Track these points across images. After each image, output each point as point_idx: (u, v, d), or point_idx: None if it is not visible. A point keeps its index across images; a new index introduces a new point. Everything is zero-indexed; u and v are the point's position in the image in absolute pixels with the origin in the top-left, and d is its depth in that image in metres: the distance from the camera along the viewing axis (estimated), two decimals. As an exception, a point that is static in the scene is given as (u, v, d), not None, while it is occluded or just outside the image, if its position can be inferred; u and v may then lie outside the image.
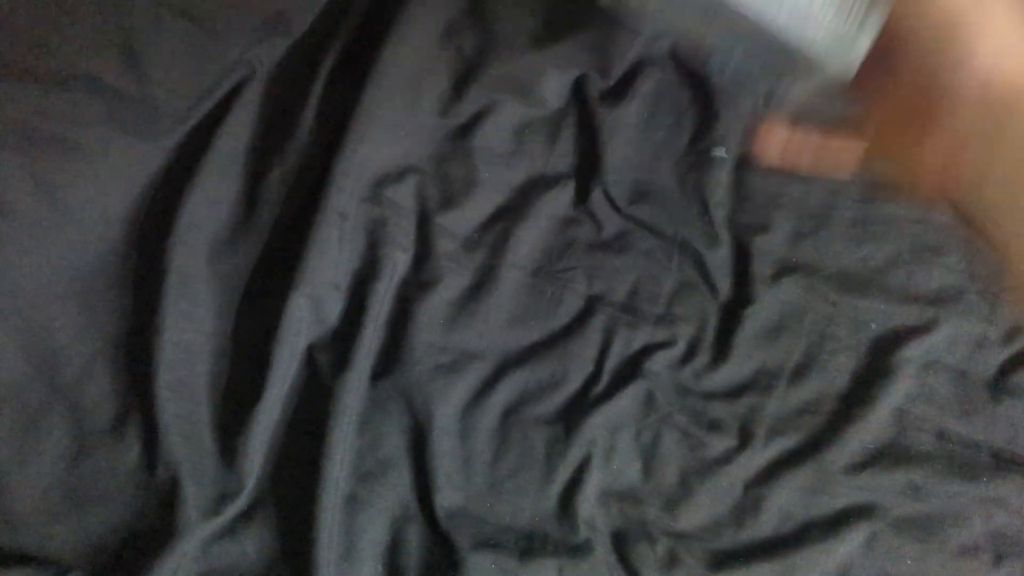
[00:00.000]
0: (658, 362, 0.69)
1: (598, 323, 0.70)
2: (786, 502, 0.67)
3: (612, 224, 0.72)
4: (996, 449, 0.68)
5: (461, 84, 0.71)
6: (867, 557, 0.66)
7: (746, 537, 0.67)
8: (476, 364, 0.68)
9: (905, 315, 0.70)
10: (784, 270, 0.71)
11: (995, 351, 0.70)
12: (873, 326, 0.70)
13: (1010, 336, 0.70)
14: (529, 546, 0.65)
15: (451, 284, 0.69)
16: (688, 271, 0.71)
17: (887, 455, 0.68)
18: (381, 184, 0.70)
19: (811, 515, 0.67)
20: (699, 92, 0.74)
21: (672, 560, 0.65)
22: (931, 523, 0.66)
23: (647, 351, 0.69)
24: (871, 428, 0.68)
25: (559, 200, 0.72)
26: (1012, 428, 0.68)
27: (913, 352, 0.69)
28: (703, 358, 0.70)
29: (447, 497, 0.66)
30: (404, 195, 0.70)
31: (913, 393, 0.69)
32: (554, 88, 0.72)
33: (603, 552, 0.65)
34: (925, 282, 0.71)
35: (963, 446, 0.68)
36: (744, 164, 0.73)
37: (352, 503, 0.65)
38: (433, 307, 0.69)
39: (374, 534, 0.65)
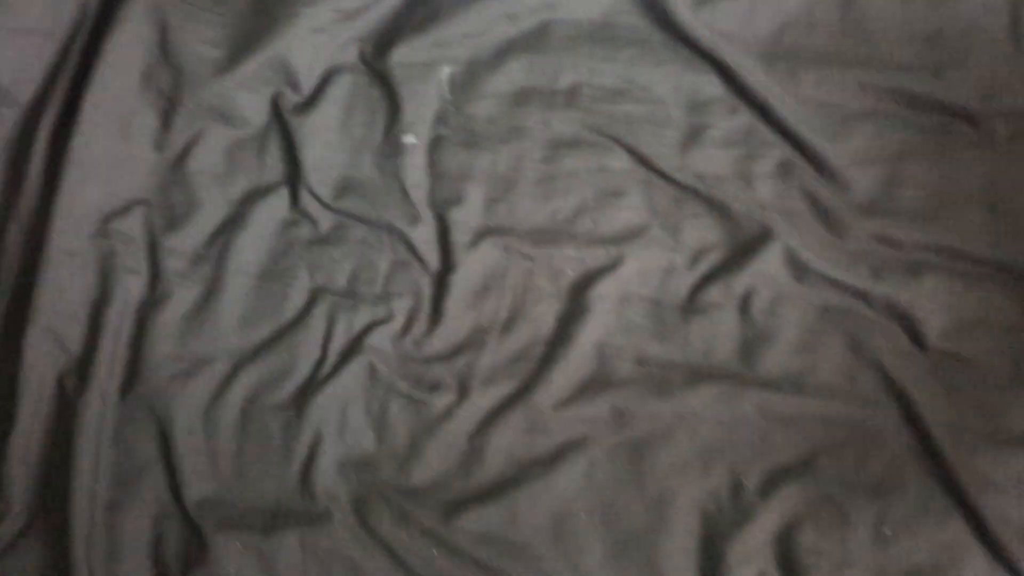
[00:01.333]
0: (378, 337, 0.76)
1: (322, 311, 0.77)
2: (507, 445, 0.73)
3: (326, 220, 0.79)
4: (692, 366, 0.73)
5: (167, 118, 0.79)
6: (587, 488, 0.71)
7: (474, 484, 0.73)
8: (212, 367, 0.75)
9: (596, 257, 0.76)
10: (482, 235, 0.77)
11: (683, 277, 0.75)
12: (569, 272, 0.76)
13: (694, 261, 0.75)
14: (273, 522, 0.72)
15: (182, 298, 0.76)
16: (399, 251, 0.78)
17: (591, 387, 0.73)
18: (108, 219, 0.77)
19: (532, 454, 0.73)
20: (386, 89, 0.80)
21: (406, 516, 0.71)
22: (641, 446, 0.72)
23: (368, 329, 0.76)
24: (574, 365, 0.74)
25: (275, 206, 0.79)
26: (705, 344, 0.74)
27: (607, 289, 0.75)
28: (420, 327, 0.76)
29: (196, 490, 0.73)
30: (132, 225, 0.77)
31: (612, 327, 0.75)
32: (251, 108, 0.79)
33: (342, 518, 0.72)
34: (610, 224, 0.76)
35: (660, 367, 0.74)
36: (435, 145, 0.79)
37: (114, 508, 0.72)
38: (167, 322, 0.76)
39: (137, 533, 0.72)
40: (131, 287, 0.76)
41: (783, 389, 0.72)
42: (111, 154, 0.77)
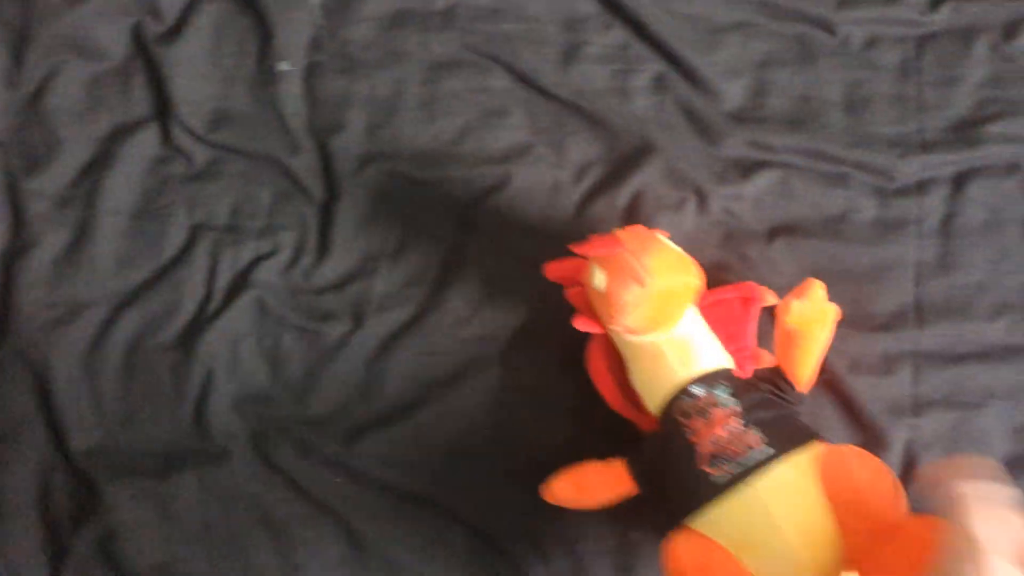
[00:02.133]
0: (266, 271, 0.74)
1: (204, 248, 0.74)
2: (406, 369, 0.73)
3: (201, 154, 0.76)
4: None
5: (18, 53, 0.74)
6: (490, 405, 0.72)
7: (376, 409, 0.73)
8: (89, 312, 0.72)
9: (483, 177, 0.76)
10: (366, 162, 0.76)
11: (569, 193, 0.76)
12: (457, 193, 0.76)
13: (579, 176, 0.77)
14: (168, 465, 0.70)
15: (51, 243, 0.73)
16: (281, 182, 0.76)
17: (489, 305, 0.74)
18: (-40, 165, 0.72)
19: (432, 376, 0.73)
20: (256, 16, 0.77)
21: (307, 447, 0.71)
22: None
23: (254, 264, 0.74)
24: (470, 285, 0.74)
25: (145, 143, 0.75)
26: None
27: (496, 208, 0.75)
28: (308, 258, 0.75)
29: (82, 440, 0.70)
30: (-14, 169, 0.73)
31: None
32: (110, 39, 0.75)
33: (241, 454, 0.71)
34: (495, 144, 0.77)
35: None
36: (312, 72, 0.77)
37: (-5, 467, 0.69)
38: (35, 267, 0.72)
39: (21, 490, 0.70)
40: (-9, 234, 0.72)
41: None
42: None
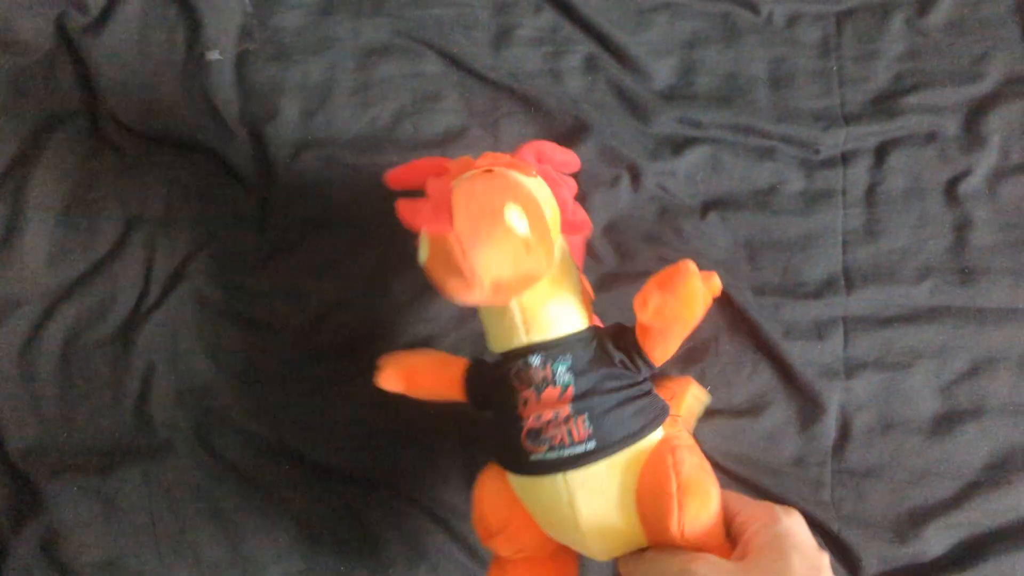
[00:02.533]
0: (202, 262, 0.73)
1: (139, 240, 0.73)
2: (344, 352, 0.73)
3: (132, 146, 0.75)
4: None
5: (-65, 45, 0.72)
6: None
7: (320, 394, 0.73)
8: (21, 309, 0.71)
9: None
10: (301, 148, 0.76)
11: (506, 174, 0.77)
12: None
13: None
14: (110, 461, 0.69)
15: (-23, 242, 0.71)
16: (215, 171, 0.75)
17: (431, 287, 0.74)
18: None
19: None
20: (183, 5, 0.77)
21: (251, 436, 0.70)
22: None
23: (191, 255, 0.73)
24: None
25: (73, 136, 0.74)
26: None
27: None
28: (245, 247, 0.74)
29: (19, 440, 0.69)
30: (-93, 167, 0.71)
31: (441, 228, 0.76)
32: (34, 31, 0.74)
33: (185, 446, 0.70)
34: (431, 128, 0.77)
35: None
36: (242, 60, 0.77)
37: (-74, 472, 0.67)
38: (-38, 267, 0.70)
39: (-45, 494, 0.67)
40: (-87, 234, 0.70)
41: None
42: None
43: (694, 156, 0.76)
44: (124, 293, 0.72)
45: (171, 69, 0.76)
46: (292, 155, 0.75)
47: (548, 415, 0.53)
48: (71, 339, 0.71)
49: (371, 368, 0.60)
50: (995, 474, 0.70)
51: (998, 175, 0.76)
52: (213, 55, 0.76)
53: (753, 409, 0.71)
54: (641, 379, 0.56)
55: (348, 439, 0.71)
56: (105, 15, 0.76)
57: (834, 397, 0.71)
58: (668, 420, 0.56)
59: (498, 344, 0.57)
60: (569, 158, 0.65)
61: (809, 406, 0.71)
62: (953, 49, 0.79)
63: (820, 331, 0.73)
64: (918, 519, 0.69)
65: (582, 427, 0.52)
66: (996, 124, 0.76)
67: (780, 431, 0.71)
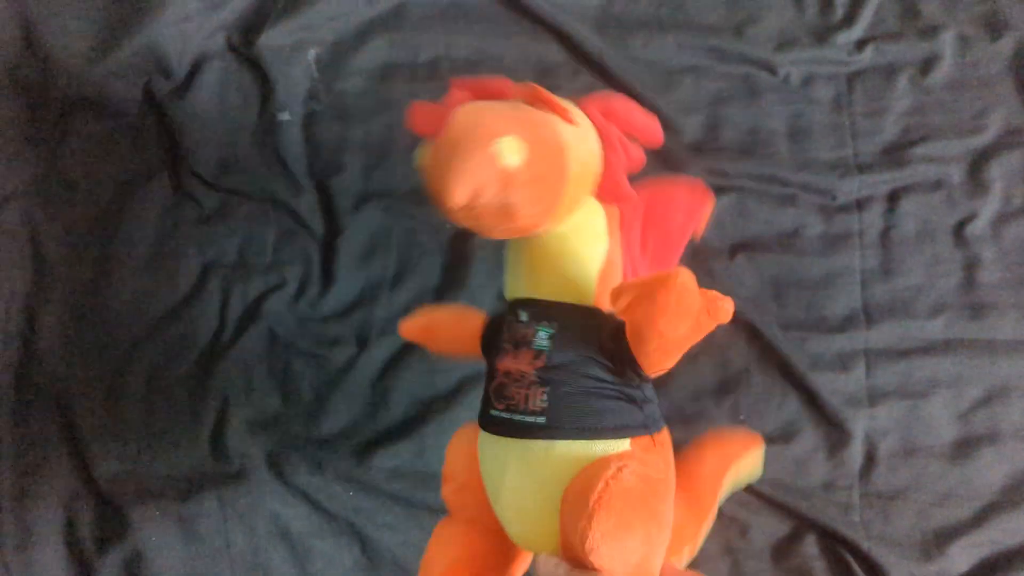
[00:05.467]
0: (274, 303, 0.80)
1: (215, 284, 0.80)
2: (409, 387, 0.79)
3: (210, 200, 0.82)
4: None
5: (35, 111, 0.80)
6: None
7: (382, 426, 0.79)
8: (109, 346, 0.77)
9: (470, 211, 0.83)
10: (363, 200, 0.83)
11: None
12: (448, 226, 0.83)
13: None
14: (189, 487, 0.75)
15: (69, 286, 0.78)
16: (285, 221, 0.82)
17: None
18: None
19: (433, 392, 0.79)
20: (257, 72, 0.85)
21: (319, 464, 0.76)
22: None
23: (263, 296, 0.80)
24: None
25: (157, 191, 0.81)
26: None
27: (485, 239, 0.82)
28: (314, 289, 0.81)
29: (106, 468, 0.74)
30: (9, 218, 0.78)
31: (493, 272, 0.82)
32: (123, 96, 0.82)
33: (258, 473, 0.76)
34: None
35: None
36: (310, 121, 0.84)
37: (21, 498, 0.72)
38: (56, 304, 0.77)
39: (48, 519, 0.73)
40: (15, 280, 0.77)
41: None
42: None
43: (722, 203, 0.83)
44: (202, 331, 0.79)
45: (246, 129, 0.84)
46: (355, 205, 0.82)
47: (516, 374, 0.51)
48: (154, 374, 0.77)
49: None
50: (1013, 495, 0.74)
51: (1002, 218, 0.82)
52: (284, 116, 0.83)
53: (784, 436, 0.77)
54: (628, 382, 0.52)
55: (407, 469, 0.76)
56: (188, 80, 0.84)
57: (859, 424, 0.77)
58: (646, 443, 0.51)
59: (508, 290, 0.56)
60: (647, 121, 0.61)
61: (836, 433, 0.77)
62: (955, 105, 0.86)
63: (844, 363, 0.79)
64: (942, 538, 0.74)
65: (538, 399, 0.50)
66: (997, 172, 0.83)
67: (809, 457, 0.77)
